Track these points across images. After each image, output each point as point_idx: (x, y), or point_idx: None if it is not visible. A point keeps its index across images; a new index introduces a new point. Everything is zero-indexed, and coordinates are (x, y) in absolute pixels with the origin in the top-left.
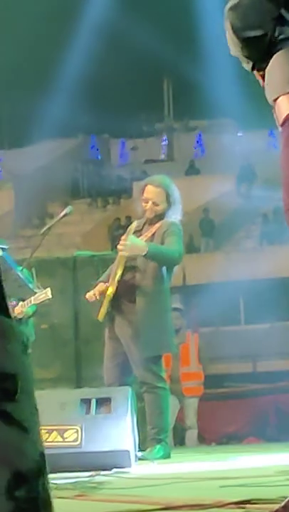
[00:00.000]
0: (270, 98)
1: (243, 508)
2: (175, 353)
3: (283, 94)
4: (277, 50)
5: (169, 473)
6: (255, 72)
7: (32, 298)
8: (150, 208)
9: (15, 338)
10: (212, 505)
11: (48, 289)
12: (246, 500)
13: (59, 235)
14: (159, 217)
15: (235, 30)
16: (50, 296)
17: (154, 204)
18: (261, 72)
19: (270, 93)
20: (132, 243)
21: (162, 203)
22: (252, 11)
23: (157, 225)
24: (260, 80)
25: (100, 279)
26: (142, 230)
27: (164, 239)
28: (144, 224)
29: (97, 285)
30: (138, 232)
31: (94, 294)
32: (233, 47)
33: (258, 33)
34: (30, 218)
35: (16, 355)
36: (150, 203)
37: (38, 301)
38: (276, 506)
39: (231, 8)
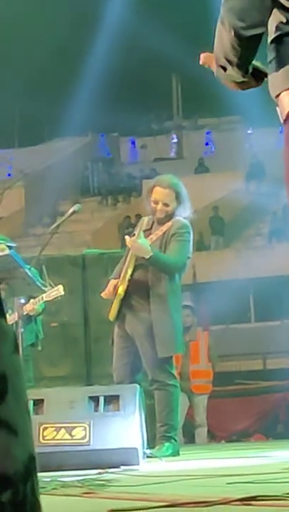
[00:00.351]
0: (272, 95)
1: (249, 504)
2: (185, 350)
3: (284, 90)
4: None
5: (176, 470)
6: (245, 79)
7: (44, 295)
8: (160, 209)
9: (5, 337)
10: (217, 502)
11: (60, 286)
12: (252, 497)
13: (69, 233)
14: (170, 216)
15: (238, 30)
16: (63, 293)
17: (165, 205)
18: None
19: (272, 90)
20: (140, 244)
21: (172, 202)
22: (253, 9)
23: (168, 223)
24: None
25: (111, 276)
26: (151, 228)
27: (170, 243)
28: (154, 223)
29: (108, 282)
30: (148, 231)
31: (109, 291)
32: (224, 53)
33: (259, 31)
34: (41, 217)
35: (5, 356)
36: (160, 204)
37: (51, 298)
38: (281, 503)
39: (231, 9)
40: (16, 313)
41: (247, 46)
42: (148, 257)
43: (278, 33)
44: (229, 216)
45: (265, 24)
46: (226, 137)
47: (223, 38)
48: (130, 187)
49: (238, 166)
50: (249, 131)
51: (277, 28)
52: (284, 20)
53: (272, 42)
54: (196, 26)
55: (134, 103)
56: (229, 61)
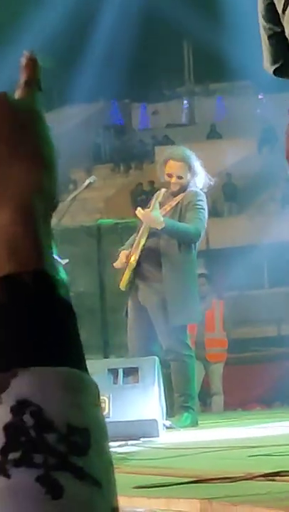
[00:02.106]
0: None
1: (273, 480)
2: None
3: None
4: None
5: (196, 441)
6: None
7: None
8: (175, 182)
9: (86, 390)
10: (242, 477)
11: (67, 260)
12: (275, 472)
13: (82, 200)
14: (184, 188)
15: None
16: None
17: (179, 178)
18: None
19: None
20: (153, 216)
21: (186, 175)
22: None
23: (181, 195)
24: None
25: (122, 247)
26: (164, 201)
27: (186, 212)
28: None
29: (119, 253)
30: (161, 204)
31: (121, 261)
32: None
33: None
34: None
35: (88, 409)
36: (174, 177)
37: None
38: None
39: None
40: None
41: None
42: (161, 227)
43: None
44: (242, 182)
45: None
46: (237, 103)
47: None
48: (142, 154)
49: (251, 132)
50: (260, 96)
51: None
52: None
53: None
54: None
55: (145, 69)
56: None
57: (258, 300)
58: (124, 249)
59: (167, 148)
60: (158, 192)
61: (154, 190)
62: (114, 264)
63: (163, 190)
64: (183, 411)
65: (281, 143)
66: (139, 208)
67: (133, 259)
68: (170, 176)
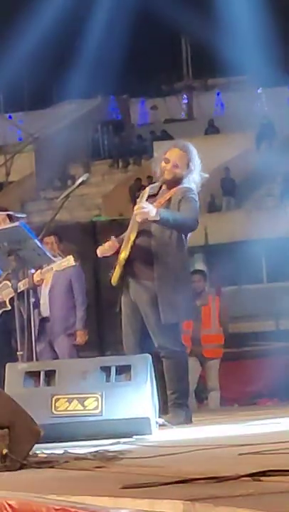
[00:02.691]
0: None
1: (259, 480)
2: (196, 316)
3: None
4: None
5: (188, 439)
6: None
7: (54, 265)
8: (169, 169)
9: None
10: (227, 477)
11: (71, 256)
12: (262, 472)
13: (80, 196)
14: (177, 181)
15: None
16: (74, 263)
17: (174, 166)
18: None
19: None
20: (145, 208)
21: (183, 166)
22: None
23: (173, 190)
24: None
25: (114, 237)
26: (157, 194)
27: (180, 205)
28: (160, 188)
29: (107, 241)
30: (153, 197)
31: (104, 247)
32: None
33: None
34: (52, 180)
35: None
36: (170, 164)
37: (61, 268)
38: None
39: None
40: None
41: None
42: (157, 218)
43: None
44: (240, 177)
45: None
46: (236, 97)
47: None
48: (141, 149)
49: (249, 127)
50: (259, 91)
51: None
52: None
53: None
54: None
55: (143, 64)
56: None
57: (256, 294)
58: (114, 239)
59: (170, 142)
60: (145, 189)
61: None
62: (98, 251)
63: (148, 188)
64: (176, 408)
65: (280, 137)
66: (136, 206)
67: (123, 255)
68: (167, 161)
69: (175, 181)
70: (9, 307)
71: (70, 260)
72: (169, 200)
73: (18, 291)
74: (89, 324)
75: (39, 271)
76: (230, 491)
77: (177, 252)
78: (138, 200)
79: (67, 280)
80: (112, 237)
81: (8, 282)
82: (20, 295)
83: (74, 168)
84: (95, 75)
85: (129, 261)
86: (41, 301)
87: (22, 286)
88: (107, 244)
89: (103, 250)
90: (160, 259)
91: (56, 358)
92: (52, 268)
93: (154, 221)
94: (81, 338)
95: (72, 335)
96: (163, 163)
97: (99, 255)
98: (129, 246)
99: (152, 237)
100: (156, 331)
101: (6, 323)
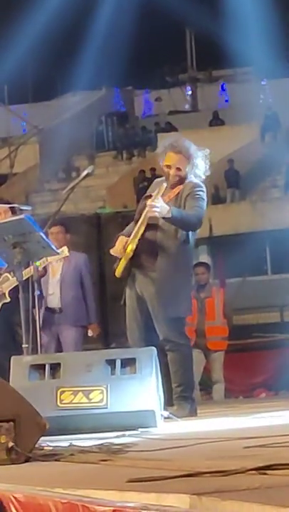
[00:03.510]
0: None
1: (264, 474)
2: (201, 308)
3: None
4: None
5: (193, 432)
6: None
7: (48, 257)
8: (173, 174)
9: None
10: (233, 471)
11: (65, 247)
12: (267, 466)
13: (85, 188)
14: (183, 180)
15: None
16: (67, 254)
17: (177, 169)
18: None
19: None
20: (162, 205)
21: (184, 167)
22: None
23: (180, 186)
24: None
25: (121, 233)
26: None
27: (187, 201)
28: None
29: (118, 239)
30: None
31: (118, 248)
32: None
33: None
34: (56, 172)
35: None
36: (173, 168)
37: (55, 260)
38: None
39: None
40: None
41: None
42: (169, 215)
43: None
44: (245, 169)
45: None
46: (240, 89)
47: None
48: (145, 141)
49: (253, 118)
50: (263, 83)
51: None
52: None
53: None
54: None
55: (147, 56)
56: None
57: (260, 286)
58: (123, 235)
59: (166, 139)
60: (162, 185)
61: (157, 178)
62: (111, 251)
63: (164, 184)
64: (181, 401)
65: (284, 128)
66: (149, 200)
67: (130, 248)
68: (169, 167)
69: (181, 181)
70: (9, 299)
71: (64, 251)
72: (178, 194)
73: (23, 278)
74: None
75: (40, 261)
76: (237, 485)
77: (182, 246)
78: (155, 195)
79: (77, 272)
80: (120, 236)
81: (8, 275)
82: (25, 287)
83: (78, 160)
84: (100, 66)
85: (135, 253)
86: (49, 291)
87: (25, 275)
88: (118, 243)
89: (116, 251)
90: (164, 251)
91: (60, 350)
92: (46, 259)
93: (164, 218)
94: (94, 331)
95: (81, 327)
96: (166, 169)
97: (113, 254)
98: (137, 239)
99: (159, 230)
100: (163, 323)
101: (8, 315)
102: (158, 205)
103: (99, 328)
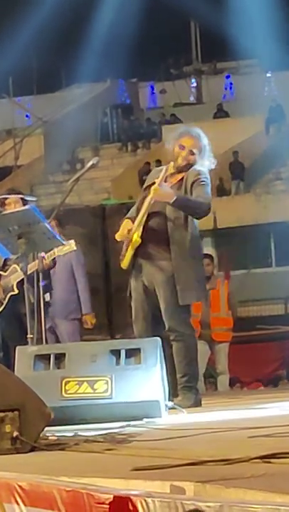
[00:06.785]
0: None
1: (269, 462)
2: (205, 299)
3: None
4: None
5: (198, 422)
6: None
7: (56, 249)
8: (184, 156)
9: None
10: (237, 460)
11: (72, 241)
12: (272, 454)
13: (89, 180)
14: (190, 165)
15: None
16: (75, 248)
17: (190, 153)
18: None
19: None
20: (163, 189)
21: (196, 153)
22: None
23: (184, 173)
24: None
25: (127, 215)
26: (167, 175)
27: (193, 188)
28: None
29: (123, 222)
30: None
31: (123, 232)
32: None
33: None
34: (61, 164)
35: None
36: (186, 150)
37: (62, 253)
38: None
39: None
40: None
41: None
42: (172, 200)
43: None
44: (249, 161)
45: None
46: (245, 81)
47: None
48: (150, 133)
49: (258, 110)
50: (268, 75)
51: None
52: None
53: None
54: None
55: (152, 48)
56: None
57: (265, 278)
58: (127, 219)
59: (180, 126)
60: (161, 170)
61: None
62: (116, 236)
63: (164, 169)
64: (186, 391)
65: (288, 121)
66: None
67: (136, 236)
68: (182, 148)
69: (187, 167)
70: (16, 291)
71: (71, 245)
72: (181, 180)
73: (29, 272)
74: (98, 308)
75: (44, 254)
76: (241, 473)
77: (192, 234)
78: (160, 177)
79: (68, 265)
80: (125, 219)
81: (16, 266)
82: (30, 278)
83: (83, 152)
84: (104, 58)
85: (141, 243)
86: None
87: (31, 269)
88: (122, 227)
89: (122, 235)
90: (175, 238)
91: (58, 342)
92: (54, 252)
93: (168, 203)
94: (89, 321)
95: (74, 320)
96: (177, 149)
97: (119, 239)
98: (142, 227)
99: (168, 219)
100: (171, 312)
101: (16, 307)
102: (162, 189)
103: (93, 317)
